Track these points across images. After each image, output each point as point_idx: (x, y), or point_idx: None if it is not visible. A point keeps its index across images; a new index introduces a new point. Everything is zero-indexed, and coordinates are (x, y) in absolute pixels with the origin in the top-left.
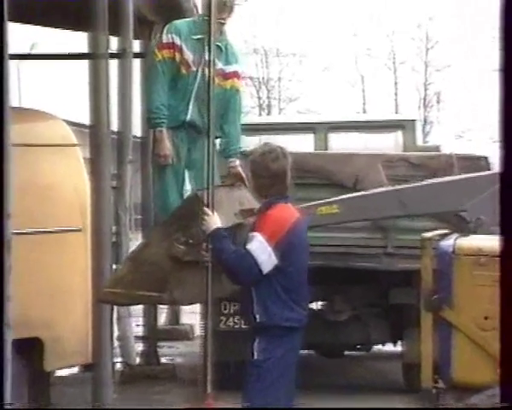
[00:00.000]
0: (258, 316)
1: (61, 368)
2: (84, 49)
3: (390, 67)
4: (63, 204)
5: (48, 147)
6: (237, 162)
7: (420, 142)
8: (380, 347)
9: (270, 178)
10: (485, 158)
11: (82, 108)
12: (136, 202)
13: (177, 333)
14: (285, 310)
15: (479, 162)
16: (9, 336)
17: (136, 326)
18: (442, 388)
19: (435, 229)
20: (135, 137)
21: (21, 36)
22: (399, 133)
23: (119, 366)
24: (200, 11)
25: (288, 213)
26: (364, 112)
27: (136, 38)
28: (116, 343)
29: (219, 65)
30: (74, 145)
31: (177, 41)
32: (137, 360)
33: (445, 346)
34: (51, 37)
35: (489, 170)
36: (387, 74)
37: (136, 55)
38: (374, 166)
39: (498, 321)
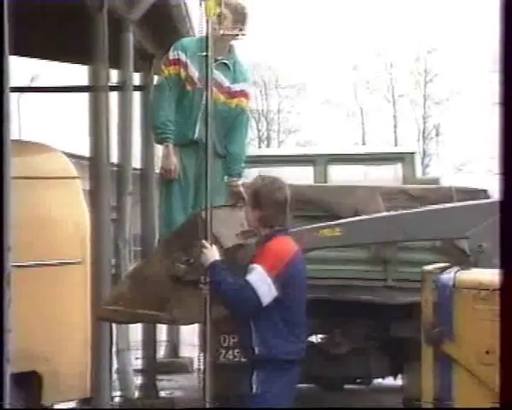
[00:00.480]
0: (257, 349)
1: (59, 402)
2: (85, 81)
3: (389, 99)
4: (63, 236)
5: (48, 179)
6: (239, 182)
7: (419, 174)
8: (380, 380)
9: (274, 208)
10: (485, 191)
11: (82, 140)
12: (135, 234)
13: (176, 366)
14: (284, 343)
15: (478, 195)
16: (8, 370)
17: (135, 359)
18: None
19: (435, 262)
20: (134, 169)
21: (22, 68)
22: (399, 166)
23: (117, 399)
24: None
25: (288, 245)
26: (364, 144)
27: (136, 70)
28: (115, 376)
29: (226, 83)
30: (74, 177)
31: (183, 58)
32: (136, 393)
33: (446, 380)
34: (52, 69)
35: None
36: (387, 107)
37: (136, 88)
38: (373, 199)
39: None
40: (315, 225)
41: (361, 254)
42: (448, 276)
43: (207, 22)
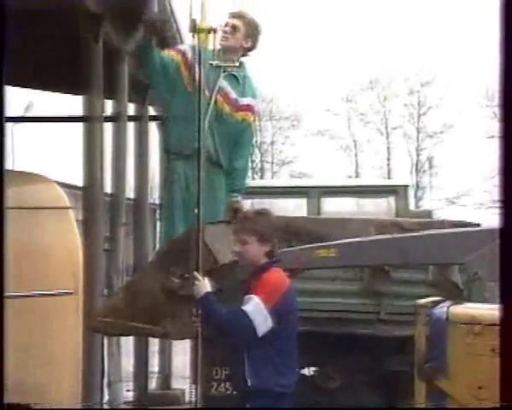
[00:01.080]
0: (249, 380)
1: None
2: (80, 111)
3: (383, 132)
4: (55, 266)
5: (41, 209)
6: (239, 198)
7: (412, 207)
8: None
9: (268, 240)
10: (478, 225)
11: (75, 169)
12: (128, 265)
13: (167, 398)
14: (277, 375)
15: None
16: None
17: (127, 391)
18: None
19: (429, 295)
20: (128, 199)
21: (16, 97)
22: (392, 198)
23: None
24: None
25: (282, 277)
26: (357, 176)
27: (130, 101)
28: (106, 407)
29: (233, 95)
30: (67, 208)
31: (189, 55)
32: None
33: None
34: (46, 98)
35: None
36: (380, 139)
37: (131, 119)
38: (366, 231)
39: (494, 391)
40: (311, 245)
41: (354, 286)
42: (441, 310)
43: (200, 54)
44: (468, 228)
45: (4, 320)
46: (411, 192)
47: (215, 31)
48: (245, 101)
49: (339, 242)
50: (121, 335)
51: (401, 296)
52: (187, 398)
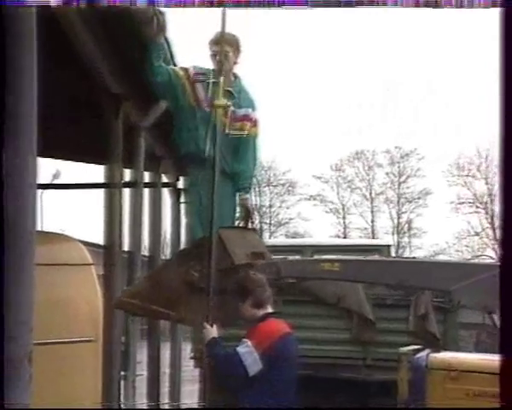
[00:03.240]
0: None
1: None
2: (101, 179)
3: (367, 197)
4: (78, 316)
5: (66, 266)
6: (247, 196)
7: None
8: None
9: (261, 301)
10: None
11: (97, 230)
12: None
13: None
14: None
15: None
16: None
17: None
18: None
19: (410, 344)
20: (143, 256)
21: (45, 166)
22: (376, 256)
23: None
24: None
25: (277, 327)
26: (345, 236)
27: (146, 170)
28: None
29: (231, 107)
30: (89, 264)
31: (191, 71)
32: None
33: None
34: (72, 167)
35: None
36: (365, 204)
37: (146, 185)
38: (353, 287)
39: None
40: (317, 258)
41: (344, 335)
42: (421, 357)
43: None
44: (457, 260)
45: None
46: (393, 251)
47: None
48: (241, 112)
49: (342, 257)
50: (142, 316)
51: (385, 344)
52: None
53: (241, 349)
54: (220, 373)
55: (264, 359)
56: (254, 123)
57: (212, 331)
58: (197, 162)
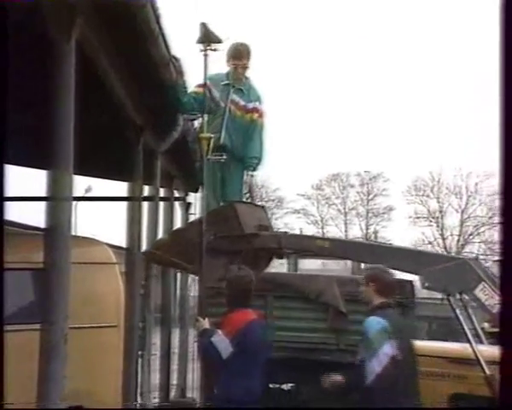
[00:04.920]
0: (216, 390)
1: None
2: (124, 193)
3: (342, 211)
4: (104, 306)
5: (94, 264)
6: (252, 174)
7: (363, 266)
8: None
9: (238, 300)
10: (410, 281)
11: (120, 235)
12: (157, 304)
13: (183, 404)
14: (239, 389)
15: (405, 284)
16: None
17: (154, 399)
18: None
19: None
20: None
21: (79, 182)
22: (348, 261)
23: None
24: None
25: (242, 316)
26: None
27: (161, 187)
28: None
29: (242, 102)
30: (114, 263)
31: (208, 82)
32: None
33: None
34: (101, 183)
35: (413, 292)
36: (340, 217)
37: (162, 199)
38: (331, 285)
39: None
40: (311, 235)
41: (321, 325)
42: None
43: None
44: (427, 250)
45: (67, 346)
46: None
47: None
48: (251, 105)
49: (331, 237)
50: (164, 265)
51: (355, 333)
52: (197, 405)
53: (214, 339)
54: (204, 358)
55: (233, 343)
56: (261, 114)
57: (204, 323)
58: (214, 147)
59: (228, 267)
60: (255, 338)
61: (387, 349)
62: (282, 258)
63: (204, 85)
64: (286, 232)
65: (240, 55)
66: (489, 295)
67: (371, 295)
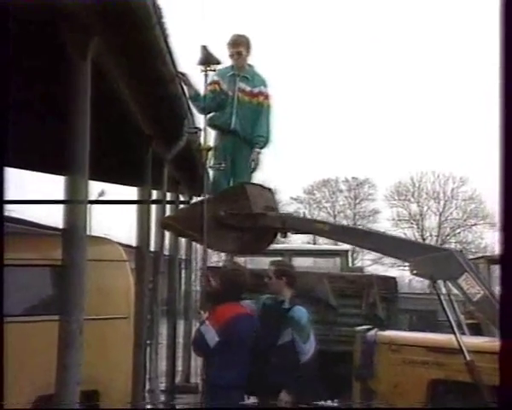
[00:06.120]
0: (205, 376)
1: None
2: (135, 197)
3: (331, 214)
4: (116, 300)
5: (107, 261)
6: (258, 151)
7: (350, 265)
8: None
9: (229, 291)
10: (394, 278)
11: (131, 235)
12: (163, 298)
13: (187, 388)
14: (226, 374)
15: (389, 280)
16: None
17: (161, 383)
18: None
19: (363, 324)
20: (165, 255)
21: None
22: (337, 259)
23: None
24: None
25: (230, 309)
26: (315, 243)
27: (168, 191)
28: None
29: (248, 88)
30: (125, 261)
31: (216, 78)
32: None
33: (368, 403)
34: (114, 188)
35: (396, 288)
36: (329, 220)
37: (168, 202)
38: (322, 281)
39: (404, 388)
40: (312, 218)
41: (315, 317)
42: (371, 334)
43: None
44: (417, 241)
45: (83, 336)
46: (350, 255)
47: (211, 148)
48: (256, 89)
49: (331, 222)
50: (179, 236)
51: (344, 325)
52: (200, 388)
53: (202, 328)
54: (193, 346)
55: (219, 334)
56: (266, 96)
57: (204, 316)
58: (225, 132)
59: (237, 241)
60: (240, 331)
61: (312, 334)
62: (285, 237)
63: (215, 83)
64: (290, 214)
65: (234, 43)
66: (470, 285)
67: (281, 288)
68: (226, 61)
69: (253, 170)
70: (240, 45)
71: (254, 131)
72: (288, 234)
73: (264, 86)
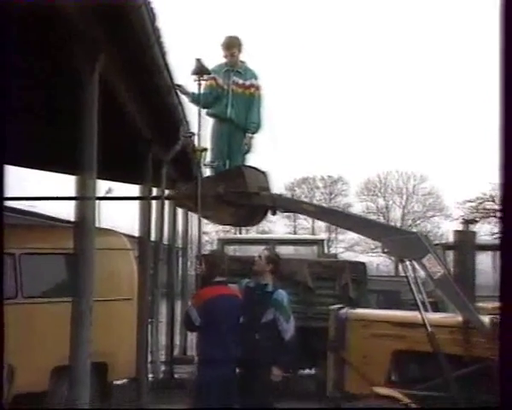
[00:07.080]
0: (195, 352)
1: (117, 380)
2: (137, 193)
3: None
4: (121, 284)
5: (113, 250)
6: (251, 135)
7: (326, 252)
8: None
9: (212, 273)
10: (363, 263)
11: (134, 227)
12: (163, 282)
13: (184, 360)
14: (210, 349)
15: (359, 265)
16: (89, 362)
17: (161, 355)
18: (340, 396)
19: (336, 303)
20: (164, 244)
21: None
22: (315, 247)
23: (150, 379)
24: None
25: (210, 290)
26: (295, 233)
27: (167, 188)
28: (149, 365)
29: (240, 81)
30: (129, 249)
31: (213, 74)
32: (161, 375)
33: (340, 371)
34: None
35: (365, 271)
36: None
37: (167, 198)
38: (302, 266)
39: (372, 359)
40: (300, 200)
41: (294, 298)
42: (343, 312)
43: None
44: (390, 224)
45: (92, 315)
46: (325, 243)
47: (207, 149)
48: (248, 82)
49: (316, 203)
50: (188, 210)
51: (320, 304)
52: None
53: (188, 309)
54: (183, 323)
55: (199, 313)
56: (258, 88)
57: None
58: (222, 120)
59: (233, 216)
60: (221, 309)
61: (291, 315)
62: (275, 214)
63: (212, 78)
64: (280, 194)
65: (228, 45)
66: (433, 265)
67: (267, 272)
68: (221, 59)
69: (247, 152)
70: (233, 47)
71: (247, 119)
72: (277, 212)
73: (255, 79)
